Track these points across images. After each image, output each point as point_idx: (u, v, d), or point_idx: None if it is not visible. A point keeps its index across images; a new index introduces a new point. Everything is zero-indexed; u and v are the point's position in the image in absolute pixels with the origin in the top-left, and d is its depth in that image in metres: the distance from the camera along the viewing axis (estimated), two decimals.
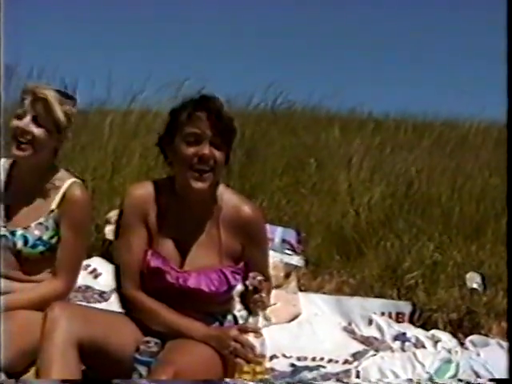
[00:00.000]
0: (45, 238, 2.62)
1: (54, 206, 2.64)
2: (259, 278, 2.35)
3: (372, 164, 6.83)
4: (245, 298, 2.45)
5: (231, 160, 2.51)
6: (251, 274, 2.37)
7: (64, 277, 2.64)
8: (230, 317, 2.64)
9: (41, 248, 2.62)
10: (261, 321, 2.34)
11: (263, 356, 2.32)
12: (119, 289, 2.57)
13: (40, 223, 2.62)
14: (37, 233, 2.61)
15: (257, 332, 2.32)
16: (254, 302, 2.34)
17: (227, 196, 2.53)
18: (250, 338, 2.30)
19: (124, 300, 2.54)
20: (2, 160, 2.75)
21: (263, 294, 2.34)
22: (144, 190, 2.51)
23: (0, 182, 2.70)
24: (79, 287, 4.12)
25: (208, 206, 2.50)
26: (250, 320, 2.35)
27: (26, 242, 2.60)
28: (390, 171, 6.70)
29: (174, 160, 2.45)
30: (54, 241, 2.63)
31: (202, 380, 2.31)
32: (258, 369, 2.26)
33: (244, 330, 2.34)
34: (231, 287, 2.52)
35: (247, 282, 2.36)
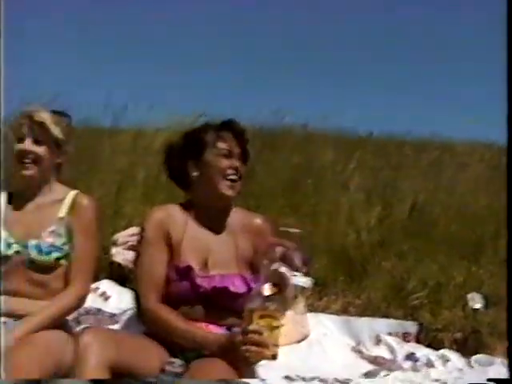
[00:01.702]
0: (58, 244, 2.70)
1: (62, 214, 2.75)
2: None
3: (370, 185, 6.90)
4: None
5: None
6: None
7: (79, 284, 2.72)
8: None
9: (55, 254, 2.69)
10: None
11: (277, 310, 2.34)
12: (138, 304, 2.67)
13: (52, 231, 2.71)
14: (49, 240, 2.69)
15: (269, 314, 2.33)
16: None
17: (239, 208, 2.82)
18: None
19: (144, 313, 2.64)
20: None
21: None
22: (164, 212, 2.73)
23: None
24: (90, 310, 4.16)
25: (225, 216, 2.77)
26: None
27: (39, 250, 2.68)
28: (389, 192, 6.77)
29: (205, 172, 2.72)
30: (67, 247, 2.71)
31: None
32: (275, 323, 2.29)
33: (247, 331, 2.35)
34: (250, 289, 2.63)
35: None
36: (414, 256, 5.30)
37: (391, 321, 4.48)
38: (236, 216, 2.79)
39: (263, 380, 2.84)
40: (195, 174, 2.72)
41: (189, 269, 2.61)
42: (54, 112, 2.83)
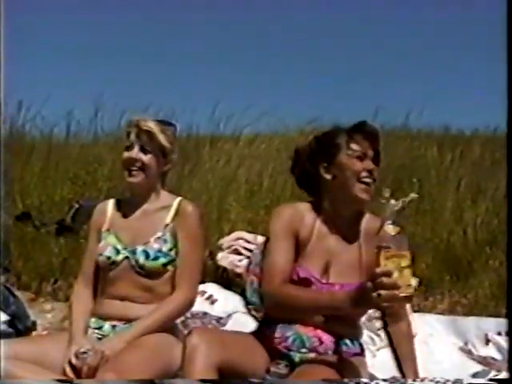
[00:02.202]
0: (164, 249, 2.74)
1: (168, 220, 2.78)
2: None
3: (475, 181, 6.76)
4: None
5: None
6: None
7: (186, 288, 2.75)
8: (357, 343, 2.69)
9: (162, 260, 2.73)
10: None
11: (402, 248, 2.13)
12: (263, 292, 2.62)
13: (158, 237, 2.75)
14: (156, 246, 2.74)
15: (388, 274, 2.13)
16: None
17: (370, 214, 2.69)
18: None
19: (267, 297, 2.58)
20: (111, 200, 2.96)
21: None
22: (293, 209, 2.68)
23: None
24: (197, 313, 4.26)
25: (355, 222, 2.67)
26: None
27: (147, 256, 2.72)
28: (495, 188, 6.61)
29: (338, 175, 2.63)
30: (173, 253, 2.75)
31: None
32: (403, 263, 2.11)
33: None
34: None
35: None
36: None
37: (500, 320, 4.37)
38: (366, 222, 2.68)
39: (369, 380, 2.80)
40: (328, 176, 2.65)
41: (307, 281, 2.56)
42: (160, 121, 2.89)
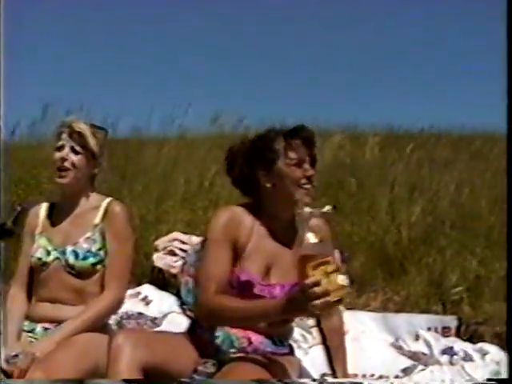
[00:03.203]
0: (93, 249, 2.78)
1: (97, 220, 2.83)
2: None
3: (411, 181, 6.87)
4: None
5: None
6: None
7: (114, 287, 2.79)
8: (286, 343, 2.74)
9: (91, 260, 2.77)
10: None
11: (326, 254, 2.18)
12: (197, 301, 2.62)
13: (87, 237, 2.80)
14: (85, 246, 2.78)
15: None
16: None
17: None
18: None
19: (201, 307, 2.56)
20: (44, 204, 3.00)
21: None
22: (231, 213, 2.66)
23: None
24: (132, 314, 4.25)
25: (294, 223, 2.65)
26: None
27: (76, 255, 2.77)
28: (430, 187, 6.73)
29: (278, 182, 2.64)
30: (102, 253, 2.80)
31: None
32: (330, 268, 2.14)
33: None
34: None
35: None
36: (455, 250, 5.27)
37: (430, 316, 4.48)
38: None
39: (299, 379, 2.84)
40: (268, 184, 2.65)
41: (247, 283, 2.57)
42: (92, 125, 2.93)
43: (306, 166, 2.64)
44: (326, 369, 3.33)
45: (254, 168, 2.67)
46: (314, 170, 2.66)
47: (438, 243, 5.49)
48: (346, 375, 2.80)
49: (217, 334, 2.63)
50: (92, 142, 2.86)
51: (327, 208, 2.37)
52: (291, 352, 2.77)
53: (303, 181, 2.61)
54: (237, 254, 2.62)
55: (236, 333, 2.63)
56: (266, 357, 2.60)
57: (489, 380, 3.20)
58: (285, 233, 2.68)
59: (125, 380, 2.35)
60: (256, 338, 2.63)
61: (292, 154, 2.64)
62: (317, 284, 2.12)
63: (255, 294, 2.57)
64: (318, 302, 2.12)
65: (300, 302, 2.18)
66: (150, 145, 7.34)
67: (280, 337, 2.71)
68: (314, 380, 3.10)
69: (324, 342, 2.84)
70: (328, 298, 2.12)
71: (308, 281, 2.13)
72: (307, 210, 2.29)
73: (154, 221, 5.68)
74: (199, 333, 2.66)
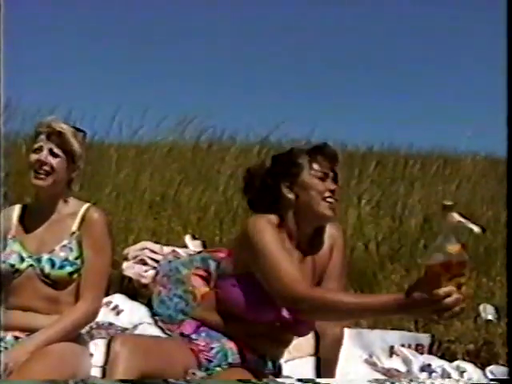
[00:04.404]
0: (71, 258, 2.68)
1: (74, 228, 2.72)
2: None
3: (377, 198, 6.92)
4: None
5: None
6: None
7: (90, 298, 2.70)
8: (277, 364, 2.75)
9: (68, 269, 2.67)
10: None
11: (463, 265, 2.07)
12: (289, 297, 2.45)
13: (64, 245, 2.69)
14: (62, 254, 2.67)
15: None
16: None
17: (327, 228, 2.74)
18: None
19: (301, 302, 2.39)
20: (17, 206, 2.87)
21: None
22: (267, 219, 2.61)
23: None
24: (102, 324, 4.16)
25: (313, 237, 2.69)
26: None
27: (53, 264, 2.66)
28: (395, 205, 6.78)
29: (302, 194, 2.64)
30: (79, 262, 2.69)
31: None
32: (462, 280, 2.06)
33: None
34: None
35: None
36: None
37: (404, 333, 4.47)
38: (326, 236, 2.71)
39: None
40: (291, 196, 2.64)
41: None
42: (71, 126, 2.83)
43: (329, 180, 2.66)
44: None
45: (278, 181, 2.67)
46: (337, 185, 2.68)
47: (407, 261, 5.52)
48: None
49: (212, 345, 2.61)
50: (73, 143, 2.75)
51: (477, 229, 2.27)
52: (279, 373, 2.77)
53: (327, 194, 2.62)
54: None
55: (232, 347, 2.61)
56: (255, 372, 2.60)
57: (492, 380, 3.21)
58: (306, 247, 2.68)
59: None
60: (251, 356, 2.62)
61: (316, 167, 2.66)
62: (449, 295, 2.02)
63: (281, 315, 2.56)
64: (446, 312, 2.04)
65: (425, 306, 2.06)
66: (112, 151, 7.26)
67: (273, 357, 2.71)
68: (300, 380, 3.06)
69: (316, 353, 2.84)
70: (456, 309, 2.04)
71: (441, 291, 2.01)
72: (457, 216, 2.20)
73: (121, 229, 5.59)
74: (194, 337, 2.63)
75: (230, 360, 2.59)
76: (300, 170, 2.66)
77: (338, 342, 2.90)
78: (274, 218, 2.64)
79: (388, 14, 16.76)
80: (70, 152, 2.75)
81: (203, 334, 2.64)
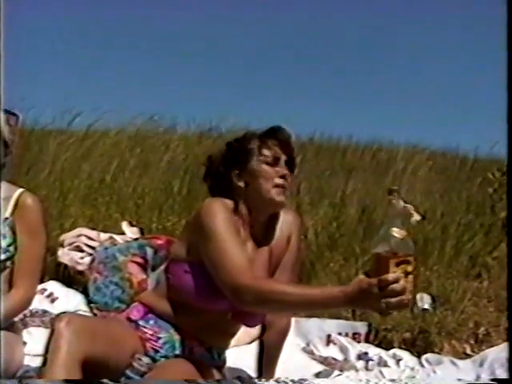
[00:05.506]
0: (3, 245, 2.60)
1: (7, 214, 2.65)
2: None
3: (315, 188, 6.95)
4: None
5: None
6: None
7: (23, 286, 2.65)
8: (223, 356, 2.73)
9: (1, 256, 2.60)
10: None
11: (410, 254, 2.07)
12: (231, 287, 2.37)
13: None
14: None
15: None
16: None
17: (281, 215, 2.69)
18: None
19: (245, 292, 2.31)
20: None
21: None
22: (224, 203, 2.56)
23: None
24: (36, 311, 4.08)
25: (268, 225, 2.65)
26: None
27: None
28: (334, 195, 6.82)
29: (252, 181, 2.59)
30: (12, 249, 2.63)
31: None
32: (409, 268, 2.05)
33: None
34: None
35: None
36: (362, 258, 5.33)
37: (341, 321, 4.49)
38: (280, 224, 2.67)
39: (218, 381, 2.79)
40: (240, 184, 2.59)
41: None
42: (4, 110, 2.74)
43: (281, 165, 2.60)
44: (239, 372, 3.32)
45: (229, 168, 2.62)
46: (289, 171, 2.62)
47: (345, 250, 5.55)
48: (273, 377, 2.82)
49: (160, 334, 2.56)
50: (5, 129, 2.67)
51: (417, 216, 2.27)
52: (223, 365, 2.75)
53: (276, 180, 2.57)
54: None
55: (179, 339, 2.57)
56: (201, 364, 2.57)
57: (492, 380, 3.23)
58: (261, 235, 2.63)
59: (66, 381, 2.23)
60: (198, 349, 2.60)
61: (266, 152, 2.60)
62: (397, 281, 2.01)
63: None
64: (393, 299, 2.02)
65: (373, 295, 2.04)
66: (52, 137, 7.15)
67: (219, 349, 2.69)
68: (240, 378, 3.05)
69: (261, 343, 2.83)
70: (403, 297, 2.04)
71: (390, 276, 2.01)
72: (401, 203, 2.19)
73: (57, 216, 5.49)
74: (142, 323, 2.58)
75: (177, 352, 2.56)
76: (249, 156, 2.61)
77: (284, 333, 2.89)
78: (230, 203, 2.58)
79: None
80: (3, 138, 2.67)
81: (151, 322, 2.59)
